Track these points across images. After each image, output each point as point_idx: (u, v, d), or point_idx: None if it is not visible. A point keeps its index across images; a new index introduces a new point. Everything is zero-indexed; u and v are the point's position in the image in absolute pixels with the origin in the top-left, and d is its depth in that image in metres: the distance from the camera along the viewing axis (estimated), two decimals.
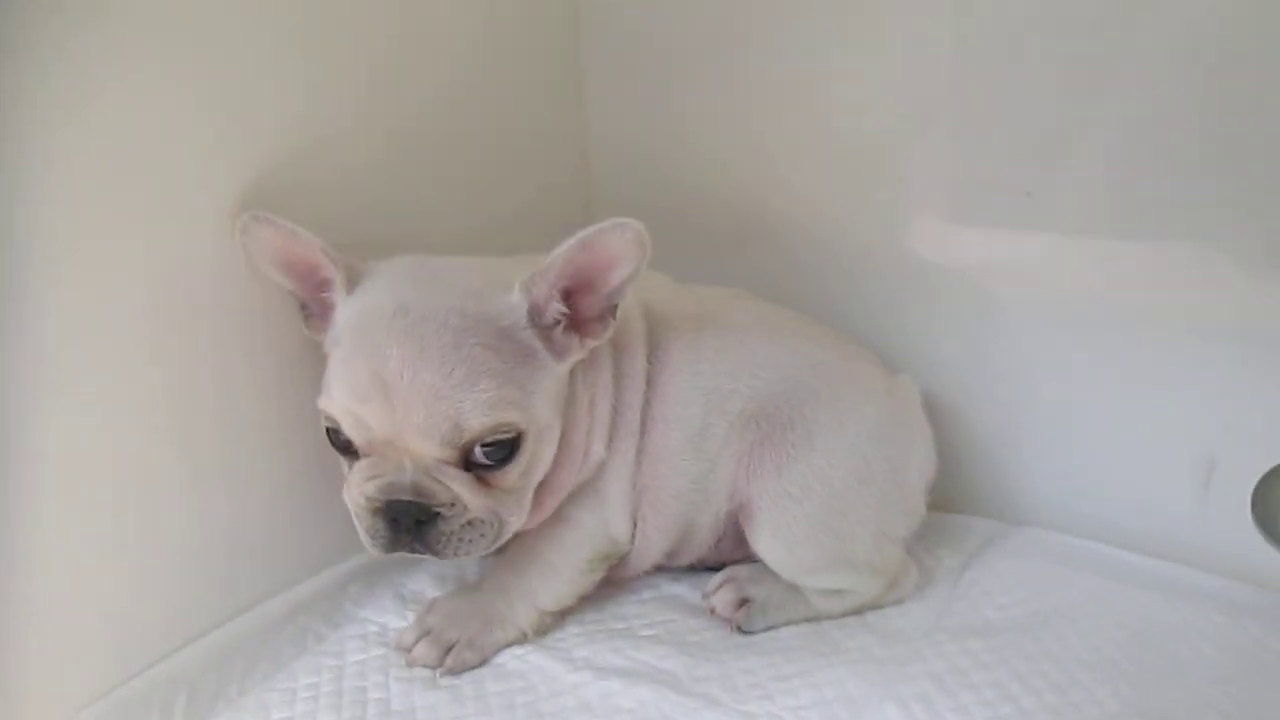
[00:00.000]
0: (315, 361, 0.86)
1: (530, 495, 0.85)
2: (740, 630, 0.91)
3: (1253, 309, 0.94)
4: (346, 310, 0.82)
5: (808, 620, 0.94)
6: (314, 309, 0.86)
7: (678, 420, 0.92)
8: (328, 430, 0.82)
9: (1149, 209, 0.96)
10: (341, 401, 0.78)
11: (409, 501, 0.78)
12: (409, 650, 0.88)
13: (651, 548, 0.95)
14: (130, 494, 0.81)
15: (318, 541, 0.97)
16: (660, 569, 1.00)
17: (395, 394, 0.76)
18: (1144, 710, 0.79)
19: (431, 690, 0.85)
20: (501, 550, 0.94)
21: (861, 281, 1.14)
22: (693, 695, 0.82)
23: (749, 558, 0.96)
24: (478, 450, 0.78)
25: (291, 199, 0.85)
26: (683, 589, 1.00)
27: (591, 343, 0.85)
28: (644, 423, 0.92)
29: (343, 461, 0.84)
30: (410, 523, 0.79)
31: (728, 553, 0.98)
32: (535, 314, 0.81)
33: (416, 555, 0.82)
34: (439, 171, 1.05)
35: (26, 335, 0.71)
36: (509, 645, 0.90)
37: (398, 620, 0.95)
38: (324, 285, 0.84)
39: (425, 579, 1.02)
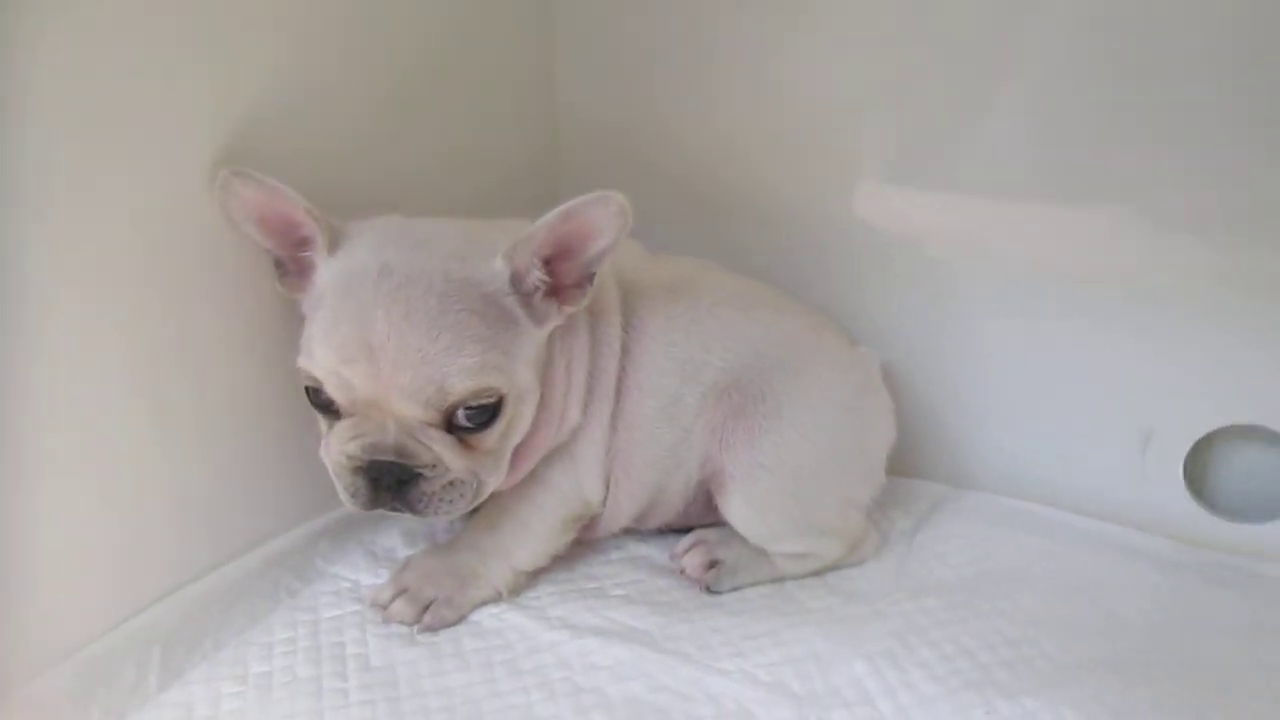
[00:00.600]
0: (289, 318, 0.86)
1: (508, 457, 0.86)
2: (708, 590, 0.95)
3: (1188, 277, 1.00)
4: (328, 271, 0.81)
5: (772, 581, 0.97)
6: (290, 267, 0.85)
7: (652, 389, 0.94)
8: (307, 389, 0.82)
9: (1082, 176, 1.01)
10: (325, 362, 0.78)
11: (391, 462, 0.79)
12: (385, 607, 0.90)
13: (622, 511, 0.98)
14: (103, 451, 0.79)
15: (289, 498, 0.97)
16: (628, 531, 1.03)
17: (381, 357, 0.76)
18: (1093, 662, 0.84)
19: (409, 647, 0.86)
20: (474, 511, 0.96)
21: (819, 253, 1.17)
22: (668, 653, 0.85)
23: (716, 521, 1.00)
24: (460, 413, 0.80)
25: (266, 162, 0.82)
26: (650, 550, 1.03)
27: (569, 309, 0.86)
28: (619, 390, 0.94)
29: (320, 420, 0.84)
30: (391, 482, 0.80)
31: (696, 517, 1.01)
32: (517, 281, 0.82)
33: (395, 513, 0.83)
34: (412, 145, 1.04)
35: None
36: (484, 604, 0.92)
37: (370, 577, 0.96)
38: (303, 244, 0.83)
39: (396, 536, 1.03)
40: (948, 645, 0.86)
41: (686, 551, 0.98)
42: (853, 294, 1.15)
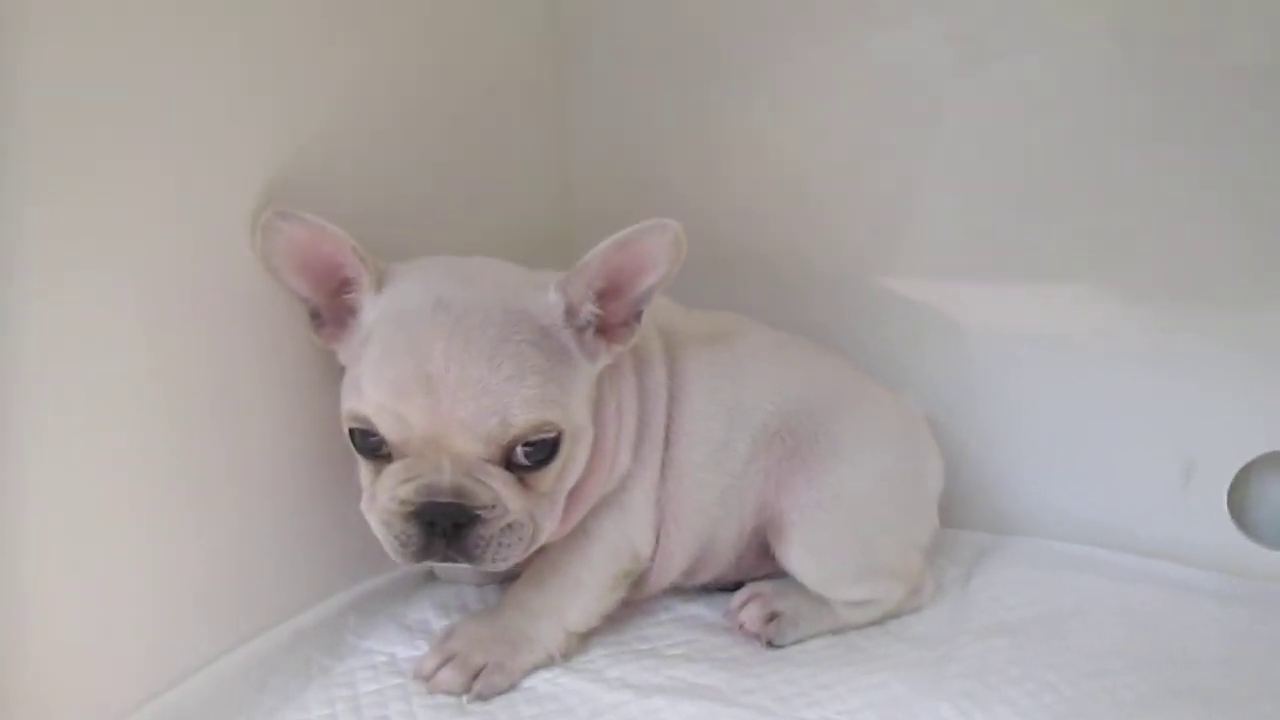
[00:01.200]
0: (324, 376, 0.83)
1: (563, 501, 0.83)
2: (770, 645, 0.90)
3: (1225, 326, 1.02)
4: (376, 308, 0.79)
5: (834, 632, 0.94)
6: (326, 316, 0.83)
7: (700, 435, 0.92)
8: (352, 433, 0.78)
9: (1105, 213, 1.04)
10: (378, 399, 0.75)
11: (448, 503, 0.75)
12: (429, 677, 0.83)
13: (673, 563, 0.94)
14: (131, 516, 0.74)
15: (318, 569, 0.91)
16: (675, 591, 0.99)
17: (440, 389, 0.73)
18: (1174, 692, 0.82)
19: (461, 717, 0.80)
20: (512, 577, 0.92)
21: (844, 310, 1.17)
22: (741, 707, 0.80)
23: (767, 575, 0.96)
24: (519, 451, 0.76)
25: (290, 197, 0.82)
26: (700, 609, 0.98)
27: (618, 348, 0.84)
28: (667, 437, 0.91)
29: (364, 470, 0.80)
30: (448, 526, 0.75)
31: (746, 571, 0.97)
32: (571, 314, 0.80)
33: (445, 563, 0.79)
34: (432, 213, 1.03)
35: (12, 339, 0.64)
36: (537, 668, 0.86)
37: (407, 649, 0.89)
38: (345, 286, 0.81)
39: (427, 608, 0.97)
40: (1028, 682, 0.83)
41: (743, 605, 0.93)
42: (880, 350, 1.14)
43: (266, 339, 0.84)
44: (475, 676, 0.83)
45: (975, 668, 0.85)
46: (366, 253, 0.78)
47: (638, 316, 0.84)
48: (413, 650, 0.89)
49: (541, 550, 0.87)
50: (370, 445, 0.78)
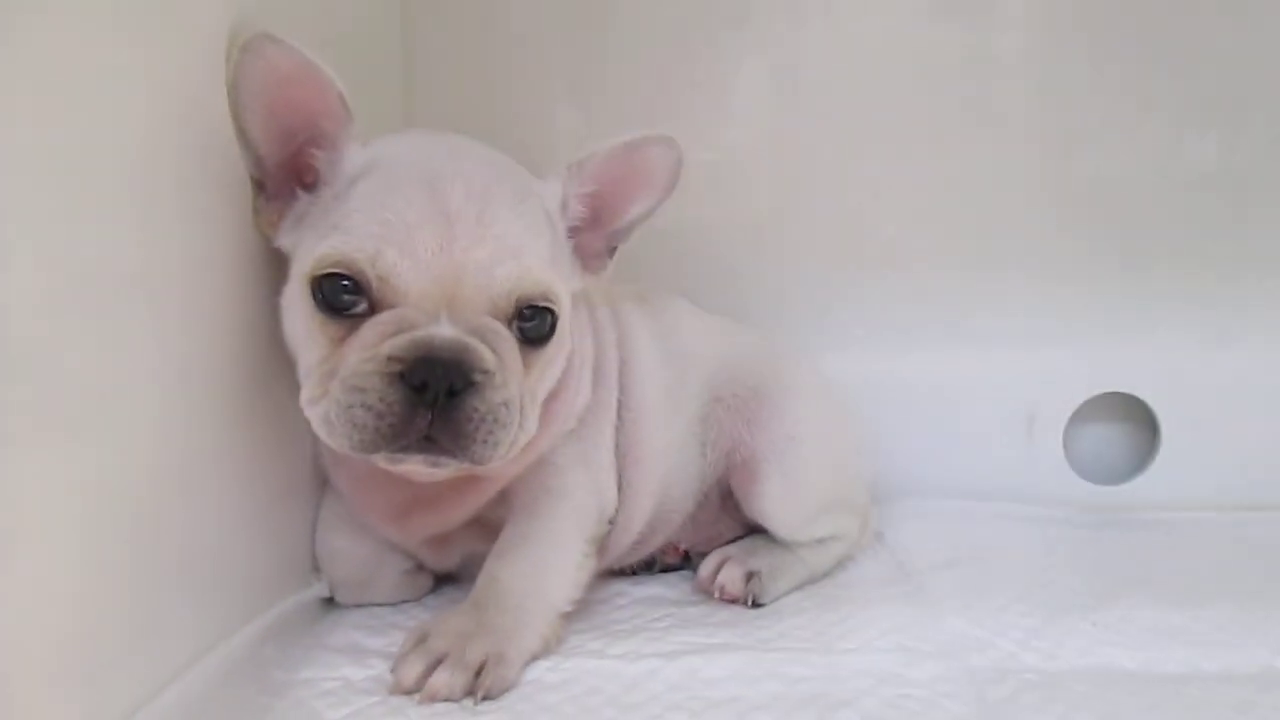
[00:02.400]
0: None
1: (540, 404, 0.74)
2: (753, 604, 0.86)
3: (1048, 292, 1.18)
4: (366, 156, 0.70)
5: (806, 583, 0.92)
6: (272, 187, 0.72)
7: (652, 373, 0.89)
8: (319, 284, 0.66)
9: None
10: (376, 232, 0.64)
11: (450, 359, 0.63)
12: (417, 686, 0.68)
13: (633, 521, 0.89)
14: None
15: (204, 610, 0.70)
16: (621, 575, 0.93)
17: (457, 226, 0.65)
18: (1085, 586, 0.92)
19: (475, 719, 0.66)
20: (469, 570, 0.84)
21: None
22: (779, 650, 0.76)
23: (711, 543, 0.94)
24: (519, 323, 0.69)
25: None
26: (657, 589, 0.92)
27: (589, 276, 0.81)
28: (622, 377, 0.88)
29: (316, 341, 0.67)
30: (441, 392, 0.63)
31: (697, 536, 0.95)
32: (565, 208, 0.77)
33: (410, 455, 0.65)
34: None
35: None
36: (534, 657, 0.74)
37: (358, 670, 0.73)
38: (320, 140, 0.70)
39: (347, 629, 0.82)
40: (997, 596, 0.87)
41: (717, 569, 0.89)
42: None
43: None
44: (477, 674, 0.69)
45: (948, 591, 0.89)
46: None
47: (611, 252, 0.82)
48: (365, 669, 0.73)
49: (508, 526, 0.79)
50: (342, 300, 0.65)
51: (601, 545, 0.84)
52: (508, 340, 0.68)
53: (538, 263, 0.69)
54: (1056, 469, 1.17)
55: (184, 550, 0.65)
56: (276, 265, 0.73)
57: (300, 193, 0.72)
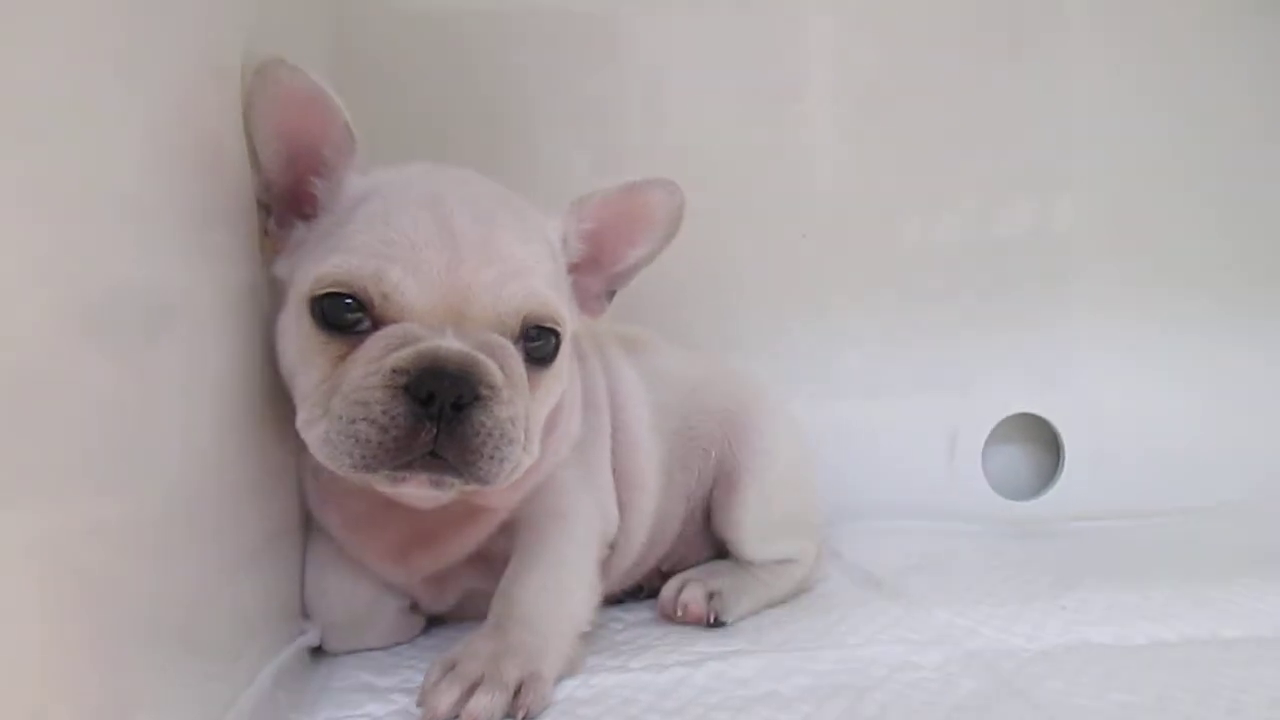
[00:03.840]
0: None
1: (541, 426, 0.74)
2: (715, 622, 0.87)
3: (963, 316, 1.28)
4: (366, 183, 0.71)
5: (766, 606, 0.93)
6: (280, 211, 0.72)
7: (639, 398, 0.92)
8: (319, 303, 0.65)
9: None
10: (380, 250, 0.65)
11: (456, 372, 0.62)
12: (453, 712, 0.66)
13: (632, 542, 0.90)
14: None
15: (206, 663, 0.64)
16: (610, 603, 0.92)
17: (463, 245, 0.66)
18: (1037, 579, 0.99)
19: None
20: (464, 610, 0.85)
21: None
22: (803, 649, 0.79)
23: (690, 564, 0.97)
24: (522, 344, 0.70)
25: None
26: (649, 613, 0.93)
27: (585, 318, 0.82)
28: (612, 405, 0.90)
29: (317, 362, 0.66)
30: (447, 405, 0.62)
31: (678, 555, 0.98)
32: (566, 244, 0.78)
33: (413, 473, 0.63)
34: None
35: None
36: (561, 677, 0.73)
37: (380, 705, 0.71)
38: (320, 168, 0.71)
39: (354, 670, 0.78)
40: (966, 592, 0.94)
41: (679, 591, 0.89)
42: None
43: None
44: (517, 694, 0.68)
45: (923, 591, 0.95)
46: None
47: (610, 295, 0.84)
48: (388, 705, 0.71)
49: (518, 550, 0.78)
50: (344, 318, 0.65)
51: (604, 567, 0.85)
52: (515, 357, 0.68)
53: (544, 284, 0.70)
54: (976, 487, 1.26)
55: (173, 610, 0.58)
56: (260, 297, 0.71)
57: (298, 222, 0.72)
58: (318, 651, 0.82)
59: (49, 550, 0.45)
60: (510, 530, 0.81)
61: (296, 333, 0.68)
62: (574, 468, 0.84)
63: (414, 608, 0.87)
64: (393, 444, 0.62)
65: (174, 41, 0.61)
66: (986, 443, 1.28)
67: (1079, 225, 1.31)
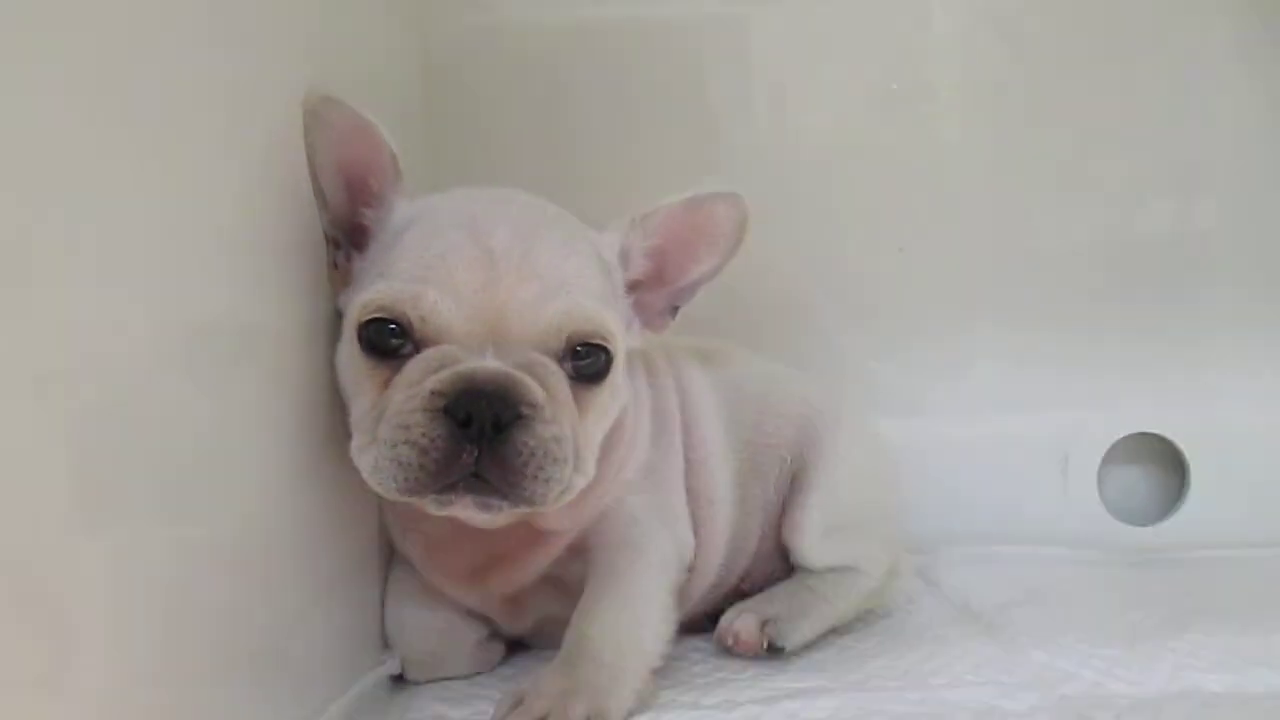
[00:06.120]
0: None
1: (596, 448, 0.73)
2: (770, 649, 0.84)
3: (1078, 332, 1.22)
4: (413, 209, 0.72)
5: (831, 629, 0.90)
6: (344, 247, 0.74)
7: (713, 412, 0.91)
8: (365, 329, 0.67)
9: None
10: (418, 273, 0.66)
11: (494, 392, 0.62)
12: None
13: (710, 564, 0.89)
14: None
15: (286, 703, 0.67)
16: (689, 631, 0.90)
17: (501, 263, 0.66)
18: (1149, 618, 0.92)
19: None
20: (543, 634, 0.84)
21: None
22: (873, 690, 0.76)
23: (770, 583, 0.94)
24: (573, 362, 0.69)
25: None
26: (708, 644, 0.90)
27: (649, 333, 0.82)
28: (683, 421, 0.89)
29: (366, 388, 0.67)
30: (486, 425, 0.62)
31: (757, 573, 0.95)
32: (625, 259, 0.77)
33: (459, 495, 0.64)
34: None
35: None
36: (631, 715, 0.72)
37: None
38: (369, 199, 0.72)
39: (429, 700, 0.79)
40: (1069, 633, 0.87)
41: (733, 621, 0.87)
42: None
43: None
44: None
45: (1021, 628, 0.89)
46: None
47: (673, 311, 0.82)
48: None
49: (590, 582, 0.78)
50: (389, 343, 0.66)
51: (682, 593, 0.84)
52: (557, 375, 0.67)
53: (589, 299, 0.69)
54: (1091, 511, 1.19)
55: (254, 635, 0.61)
56: (335, 330, 0.74)
57: (355, 254, 0.74)
58: (401, 681, 0.84)
59: (130, 569, 0.48)
60: (582, 555, 0.81)
61: (349, 361, 0.70)
62: (645, 494, 0.83)
63: (494, 636, 0.88)
64: (434, 466, 0.62)
65: (274, 75, 0.66)
66: (1103, 463, 1.21)
67: (1219, 230, 1.23)
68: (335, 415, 0.72)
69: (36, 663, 0.41)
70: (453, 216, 0.69)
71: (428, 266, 0.66)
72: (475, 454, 0.62)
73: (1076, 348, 1.21)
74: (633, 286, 0.79)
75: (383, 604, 0.84)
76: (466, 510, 0.67)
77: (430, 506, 0.67)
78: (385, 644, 0.83)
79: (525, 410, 0.63)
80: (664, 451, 0.85)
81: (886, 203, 1.23)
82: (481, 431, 0.62)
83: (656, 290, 0.81)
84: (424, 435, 0.62)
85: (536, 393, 0.64)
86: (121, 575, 0.47)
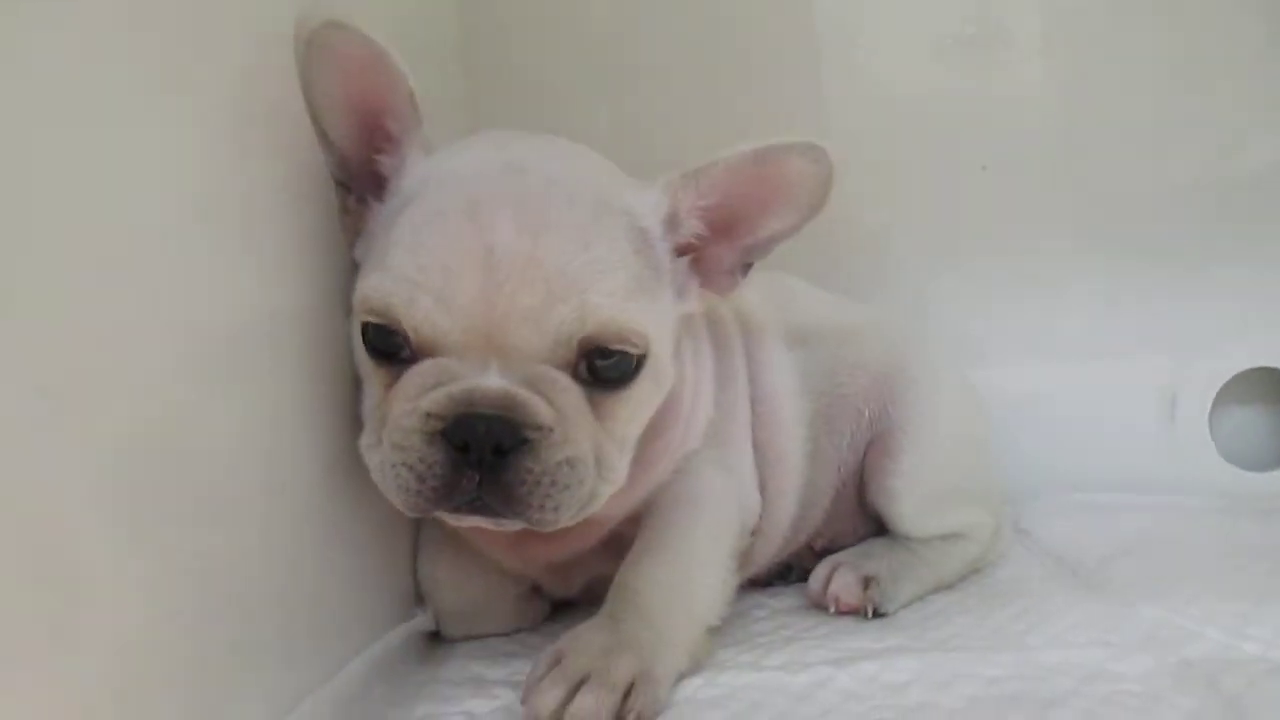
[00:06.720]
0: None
1: (630, 451, 0.65)
2: (874, 614, 0.76)
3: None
4: (423, 169, 0.63)
5: (932, 591, 0.82)
6: (356, 191, 0.65)
7: (779, 362, 0.82)
8: (364, 328, 0.59)
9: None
10: (410, 273, 0.57)
11: (492, 416, 0.55)
12: (558, 712, 0.59)
13: (778, 527, 0.81)
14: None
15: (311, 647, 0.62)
16: (754, 585, 0.84)
17: (502, 265, 0.56)
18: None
19: None
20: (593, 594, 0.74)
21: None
22: (960, 649, 0.67)
23: (847, 541, 0.86)
24: (590, 366, 0.60)
25: None
26: (796, 599, 0.83)
27: (712, 296, 0.72)
28: (750, 371, 0.81)
29: (370, 383, 0.61)
30: (487, 451, 0.56)
31: (830, 531, 0.87)
32: (672, 224, 0.67)
33: (469, 516, 0.59)
34: None
35: None
36: (681, 676, 0.65)
37: (484, 702, 0.64)
38: (384, 145, 0.64)
39: (462, 658, 0.73)
40: (1181, 585, 0.77)
41: (829, 576, 0.79)
42: None
43: None
44: (625, 696, 0.60)
45: (1129, 582, 0.79)
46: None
47: (745, 269, 0.72)
48: (491, 700, 0.64)
49: (641, 533, 0.70)
50: (388, 343, 0.58)
51: (745, 557, 0.76)
52: (569, 390, 0.59)
53: (609, 299, 0.59)
54: (1203, 457, 1.08)
55: (284, 589, 0.58)
56: None
57: (373, 202, 0.65)
58: (437, 639, 0.78)
59: (159, 525, 0.46)
60: (640, 516, 0.73)
61: (358, 345, 0.62)
62: (709, 448, 0.75)
63: (536, 591, 0.81)
64: (432, 492, 0.57)
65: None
66: (1215, 403, 1.09)
67: None
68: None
69: (58, 612, 0.40)
70: (457, 196, 0.60)
71: (420, 267, 0.57)
72: (476, 479, 0.56)
73: (1181, 284, 1.10)
74: (686, 248, 0.69)
75: (414, 557, 0.77)
76: (480, 524, 0.61)
77: (443, 518, 0.62)
78: (418, 600, 0.77)
79: (530, 434, 0.56)
80: (728, 409, 0.77)
81: (967, 155, 1.14)
82: (481, 458, 0.56)
83: (724, 245, 0.70)
84: (421, 460, 0.56)
85: (543, 414, 0.57)
86: (148, 530, 0.45)
